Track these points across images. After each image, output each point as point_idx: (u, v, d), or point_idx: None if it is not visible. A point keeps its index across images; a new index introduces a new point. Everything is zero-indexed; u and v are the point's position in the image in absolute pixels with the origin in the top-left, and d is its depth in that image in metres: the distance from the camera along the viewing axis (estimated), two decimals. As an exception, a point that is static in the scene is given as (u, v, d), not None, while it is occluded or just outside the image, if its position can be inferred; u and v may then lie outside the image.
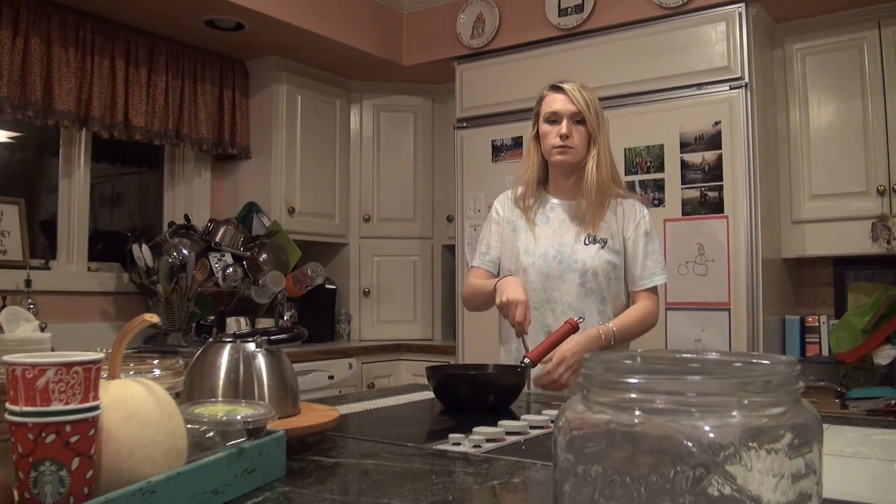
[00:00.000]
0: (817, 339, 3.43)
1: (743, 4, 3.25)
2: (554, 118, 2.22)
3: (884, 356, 3.05)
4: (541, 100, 2.29)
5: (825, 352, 3.38)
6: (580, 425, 0.74)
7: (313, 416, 1.42)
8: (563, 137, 2.19)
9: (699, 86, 3.33)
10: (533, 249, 2.26)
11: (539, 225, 2.28)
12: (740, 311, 3.13)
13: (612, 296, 2.23)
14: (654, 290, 2.27)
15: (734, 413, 0.67)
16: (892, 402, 2.78)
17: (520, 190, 2.36)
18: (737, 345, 3.10)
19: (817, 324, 3.44)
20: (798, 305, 3.63)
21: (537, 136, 2.29)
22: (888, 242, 3.18)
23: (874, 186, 3.25)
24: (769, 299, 3.23)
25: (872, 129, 3.28)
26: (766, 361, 0.78)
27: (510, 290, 2.08)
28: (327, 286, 4.33)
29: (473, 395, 1.84)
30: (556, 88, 2.26)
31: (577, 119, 2.21)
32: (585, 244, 2.21)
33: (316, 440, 1.39)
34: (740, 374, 0.76)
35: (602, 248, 2.21)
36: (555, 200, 2.31)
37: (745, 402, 0.68)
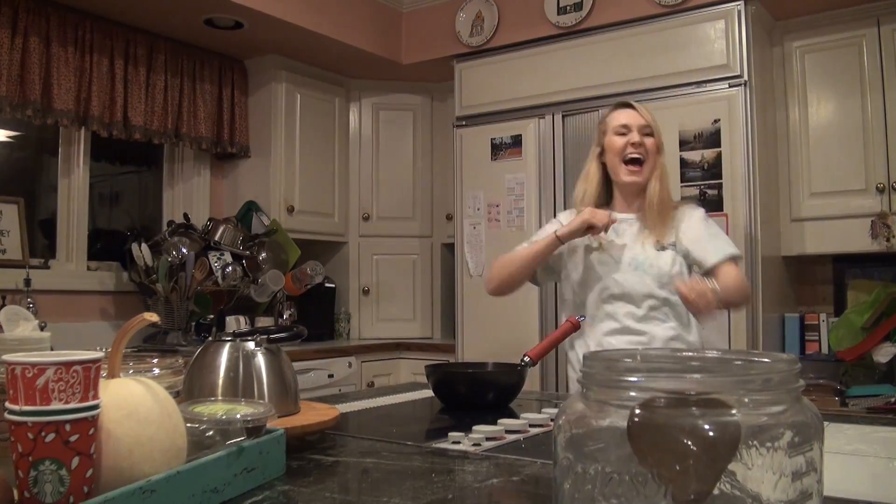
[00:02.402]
0: (817, 337, 3.43)
1: (742, 2, 3.25)
2: (624, 130, 2.27)
3: (883, 354, 3.05)
4: (605, 119, 2.36)
5: (825, 350, 3.37)
6: (580, 424, 0.74)
7: (313, 414, 1.41)
8: (636, 145, 2.25)
9: (698, 84, 3.33)
10: (607, 259, 2.26)
11: (611, 239, 2.29)
12: (740, 310, 3.13)
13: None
14: (733, 262, 2.23)
15: (734, 411, 0.67)
16: (892, 399, 2.79)
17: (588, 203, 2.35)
18: (737, 343, 3.10)
19: (817, 322, 3.44)
20: (798, 303, 3.63)
21: (600, 154, 2.34)
22: (888, 240, 3.19)
23: (873, 184, 3.25)
24: (769, 297, 3.24)
25: (872, 126, 3.27)
26: (766, 360, 0.78)
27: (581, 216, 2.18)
28: (327, 285, 4.33)
29: (473, 393, 1.84)
30: (624, 105, 2.34)
31: (646, 132, 2.27)
32: (658, 251, 2.24)
33: (315, 439, 1.39)
34: (740, 373, 0.75)
35: (673, 251, 2.24)
36: (622, 215, 2.31)
37: (746, 400, 0.68)
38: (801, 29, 3.46)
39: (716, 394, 0.67)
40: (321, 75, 4.37)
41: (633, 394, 0.69)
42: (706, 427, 0.66)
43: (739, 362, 0.80)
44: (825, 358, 3.31)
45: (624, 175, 2.27)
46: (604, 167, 2.34)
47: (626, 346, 2.20)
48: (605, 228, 2.17)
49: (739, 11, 3.25)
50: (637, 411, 0.68)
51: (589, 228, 2.17)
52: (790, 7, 3.37)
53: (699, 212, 2.32)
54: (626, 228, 2.29)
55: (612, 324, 2.22)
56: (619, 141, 2.27)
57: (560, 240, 2.21)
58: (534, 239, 2.39)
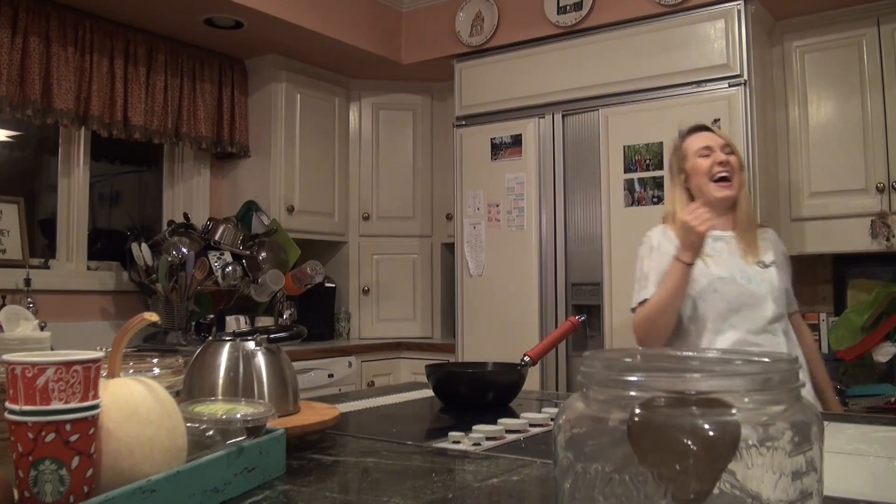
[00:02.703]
0: (817, 337, 3.42)
1: (742, 2, 3.25)
2: (707, 152, 2.29)
3: (883, 353, 3.05)
4: (680, 146, 2.37)
5: (825, 349, 3.37)
6: (580, 423, 0.74)
7: (313, 414, 1.41)
8: (723, 164, 2.26)
9: (698, 83, 3.33)
10: (719, 273, 2.23)
11: (711, 255, 2.26)
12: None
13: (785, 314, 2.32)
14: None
15: (734, 411, 0.67)
16: (892, 399, 2.79)
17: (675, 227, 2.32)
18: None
19: (817, 321, 3.44)
20: (797, 303, 3.62)
21: (685, 180, 2.34)
22: (888, 240, 3.19)
23: (873, 184, 3.25)
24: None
25: (871, 126, 3.28)
26: (766, 359, 0.78)
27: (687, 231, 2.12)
28: (327, 284, 4.32)
29: (473, 393, 1.84)
30: (698, 129, 2.38)
31: (728, 151, 2.29)
32: (761, 268, 2.26)
33: (316, 438, 1.39)
34: (740, 373, 0.75)
35: (775, 269, 2.27)
36: (715, 233, 2.27)
37: (746, 400, 0.68)
38: (801, 28, 3.46)
39: (716, 394, 0.67)
40: (321, 75, 4.37)
41: (633, 393, 0.69)
42: (706, 427, 0.66)
43: (739, 362, 0.80)
44: (825, 357, 3.30)
45: (715, 191, 2.26)
46: (688, 191, 2.34)
47: None
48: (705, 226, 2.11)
49: (739, 11, 3.25)
50: (637, 411, 0.68)
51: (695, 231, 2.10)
52: (790, 7, 3.37)
53: (783, 246, 2.41)
54: (723, 246, 2.28)
55: (735, 334, 2.19)
56: (705, 163, 2.28)
57: (690, 264, 2.14)
58: (646, 273, 2.28)
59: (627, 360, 0.80)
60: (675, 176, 2.37)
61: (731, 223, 2.32)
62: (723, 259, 2.25)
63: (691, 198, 2.32)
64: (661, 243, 2.30)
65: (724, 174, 2.26)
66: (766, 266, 2.26)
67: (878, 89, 3.26)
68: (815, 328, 3.43)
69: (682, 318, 2.24)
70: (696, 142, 2.32)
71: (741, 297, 2.20)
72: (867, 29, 3.30)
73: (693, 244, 2.11)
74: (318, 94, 4.35)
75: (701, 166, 2.28)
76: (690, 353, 0.84)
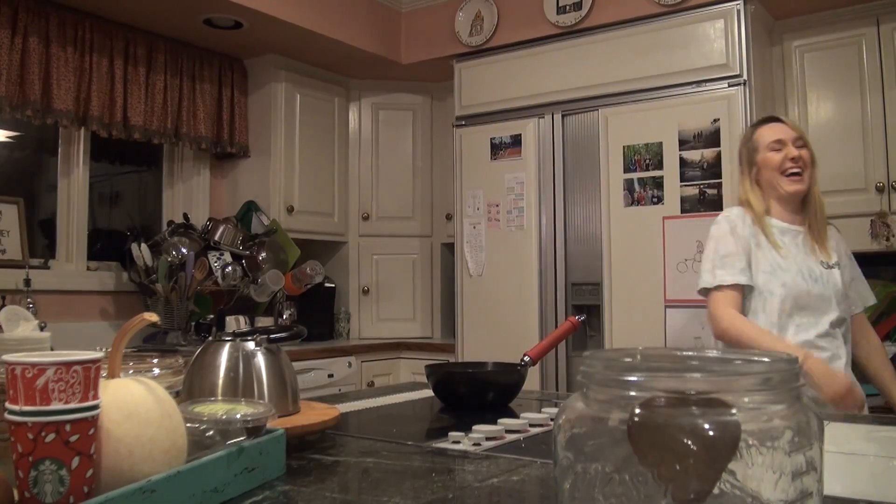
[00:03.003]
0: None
1: (741, 2, 3.25)
2: (778, 146, 2.26)
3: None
4: (752, 137, 2.35)
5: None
6: (580, 423, 0.74)
7: (313, 414, 1.41)
8: (796, 160, 2.23)
9: (698, 83, 3.33)
10: (788, 267, 2.20)
11: (781, 247, 2.24)
12: (739, 309, 3.13)
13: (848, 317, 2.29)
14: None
15: (734, 411, 0.67)
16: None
17: (751, 213, 2.30)
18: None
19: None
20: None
21: (756, 173, 2.32)
22: (887, 240, 3.19)
23: (873, 183, 3.25)
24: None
25: (871, 126, 3.28)
26: (766, 359, 0.78)
27: (831, 381, 2.02)
28: (326, 285, 4.33)
29: (473, 393, 1.84)
30: (771, 119, 2.35)
31: (800, 144, 2.27)
32: (827, 268, 2.23)
33: (316, 438, 1.39)
34: (740, 372, 0.75)
35: (838, 271, 2.25)
36: (784, 225, 2.28)
37: (745, 399, 0.68)
38: (801, 28, 3.46)
39: (716, 393, 0.67)
40: (321, 75, 4.37)
41: (633, 393, 0.69)
42: (706, 426, 0.65)
43: (739, 362, 0.80)
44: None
45: (787, 185, 2.25)
46: (757, 183, 2.33)
47: None
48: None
49: (739, 11, 3.25)
50: (637, 411, 0.68)
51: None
52: (789, 6, 3.37)
53: (845, 243, 2.38)
54: (791, 241, 2.25)
55: (800, 335, 2.17)
56: (776, 157, 2.26)
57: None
58: (731, 263, 2.21)
59: (627, 360, 0.80)
60: (746, 167, 2.35)
61: (800, 218, 2.30)
62: (790, 254, 2.22)
63: (760, 189, 2.31)
64: (740, 227, 2.26)
65: (795, 170, 2.23)
66: (829, 267, 2.23)
67: (878, 89, 3.26)
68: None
69: (748, 307, 2.23)
70: (768, 134, 2.30)
71: (808, 297, 2.17)
72: (867, 28, 3.30)
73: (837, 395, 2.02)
74: (318, 94, 4.35)
75: (772, 160, 2.26)
76: (690, 353, 0.84)
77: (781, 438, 0.67)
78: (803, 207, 2.30)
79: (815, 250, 2.24)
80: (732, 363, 0.81)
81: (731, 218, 2.30)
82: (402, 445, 1.36)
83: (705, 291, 2.29)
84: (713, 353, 0.85)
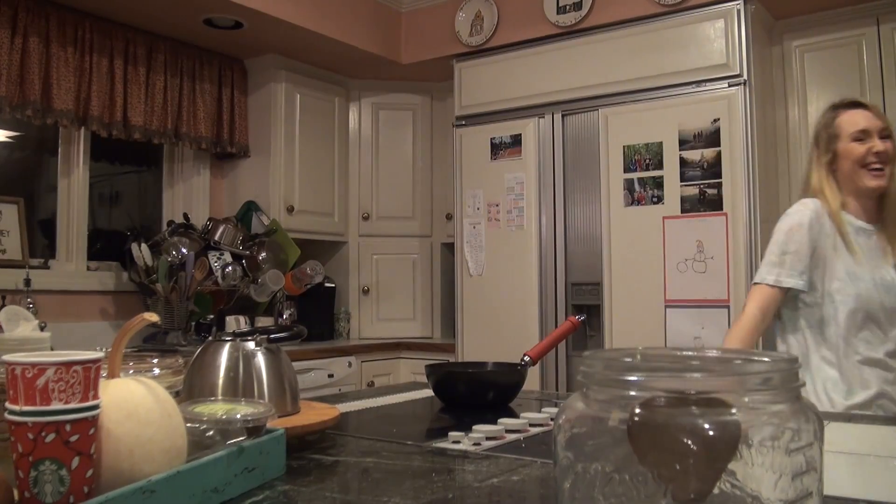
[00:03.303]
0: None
1: (741, 1, 3.25)
2: (863, 136, 2.09)
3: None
4: (833, 122, 2.16)
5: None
6: (580, 423, 0.74)
7: (313, 414, 1.41)
8: (880, 154, 2.07)
9: (698, 83, 3.33)
10: (862, 275, 2.05)
11: (858, 249, 2.08)
12: (740, 309, 3.12)
13: None
14: None
15: (734, 411, 0.67)
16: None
17: (827, 207, 2.13)
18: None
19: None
20: None
21: (831, 162, 2.15)
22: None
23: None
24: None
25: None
26: (766, 359, 0.78)
27: None
28: (326, 284, 4.33)
29: (473, 392, 1.84)
30: (856, 105, 2.17)
31: (884, 135, 2.10)
32: None
33: (315, 438, 1.39)
34: (740, 372, 0.76)
35: None
36: (858, 224, 2.11)
37: (746, 399, 0.68)
38: (801, 28, 3.46)
39: (716, 393, 0.68)
40: (321, 75, 4.37)
41: (633, 393, 0.69)
42: (706, 426, 0.66)
43: (739, 361, 0.80)
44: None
45: (868, 180, 2.08)
46: (832, 172, 2.15)
47: (880, 383, 2.02)
48: None
49: (739, 11, 3.25)
50: (637, 411, 0.68)
51: None
52: (790, 6, 3.37)
53: None
54: (864, 241, 2.10)
55: (870, 352, 2.03)
56: (860, 148, 2.09)
57: None
58: (791, 264, 2.08)
59: (627, 359, 0.80)
60: (822, 154, 2.16)
61: (876, 216, 2.13)
62: (865, 260, 2.06)
63: (835, 181, 2.14)
64: (816, 224, 2.09)
65: (878, 165, 2.06)
66: None
67: (878, 88, 3.26)
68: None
69: (818, 316, 2.09)
70: (853, 121, 2.12)
71: (880, 309, 2.03)
72: (867, 28, 3.30)
73: None
74: (318, 94, 4.35)
75: (855, 151, 2.09)
76: (691, 353, 0.84)
77: (781, 438, 0.67)
78: (879, 204, 2.13)
79: (887, 253, 2.08)
80: (732, 363, 0.81)
81: (808, 212, 2.11)
82: (402, 445, 1.36)
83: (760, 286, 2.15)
84: (713, 353, 0.85)
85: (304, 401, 1.55)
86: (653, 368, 0.79)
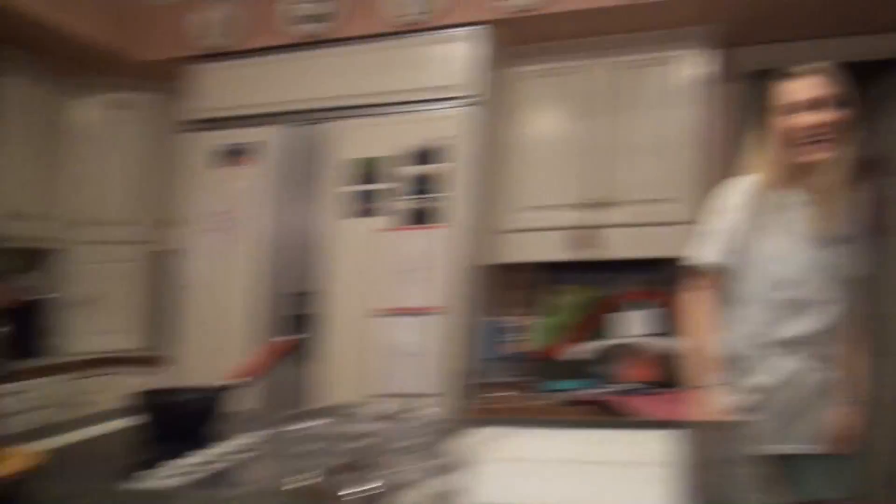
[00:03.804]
0: (520, 338, 3.72)
1: (480, 27, 3.46)
2: (796, 109, 2.08)
3: (580, 352, 3.43)
4: (770, 93, 2.13)
5: (527, 349, 3.68)
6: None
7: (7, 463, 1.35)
8: (814, 127, 2.05)
9: (432, 101, 3.48)
10: (791, 251, 2.08)
11: (783, 225, 2.09)
12: (453, 316, 3.32)
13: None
14: None
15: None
16: (589, 391, 3.13)
17: (759, 183, 2.13)
18: (450, 347, 3.29)
19: (522, 324, 3.74)
20: (504, 307, 3.87)
21: (765, 136, 2.15)
22: (586, 249, 3.54)
23: (576, 199, 3.56)
24: (480, 303, 3.49)
25: (582, 147, 3.58)
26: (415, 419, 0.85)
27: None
28: (38, 297, 3.99)
29: (173, 421, 1.79)
30: (798, 74, 2.12)
31: (821, 106, 2.06)
32: (826, 245, 2.08)
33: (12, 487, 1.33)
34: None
35: (842, 246, 2.10)
36: (794, 198, 2.10)
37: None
38: (534, 55, 3.68)
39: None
40: (41, 67, 4.03)
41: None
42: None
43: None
44: (526, 357, 3.63)
45: (800, 155, 2.09)
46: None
47: (797, 361, 2.11)
48: None
49: (476, 35, 3.46)
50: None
51: None
52: (525, 34, 3.60)
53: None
54: (796, 216, 2.12)
55: (793, 330, 2.10)
56: (791, 122, 2.09)
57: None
58: (717, 240, 2.15)
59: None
60: (756, 129, 2.18)
61: (810, 188, 2.10)
62: (793, 234, 2.08)
63: (771, 155, 2.13)
64: (739, 200, 2.13)
65: (811, 139, 2.05)
66: (833, 243, 2.08)
67: (604, 112, 3.55)
68: (520, 330, 3.74)
69: (741, 294, 2.12)
70: (788, 93, 2.10)
71: (797, 286, 2.06)
72: (593, 59, 3.58)
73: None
74: (37, 88, 4.00)
75: (786, 125, 2.09)
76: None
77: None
78: (814, 176, 2.10)
79: (820, 224, 2.08)
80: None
81: (739, 189, 2.15)
82: (102, 484, 1.34)
83: (687, 267, 2.19)
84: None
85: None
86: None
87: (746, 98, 3.62)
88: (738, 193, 2.15)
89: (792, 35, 3.59)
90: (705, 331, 2.12)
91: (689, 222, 3.33)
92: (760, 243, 2.09)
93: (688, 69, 3.46)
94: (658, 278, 3.57)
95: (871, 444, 2.65)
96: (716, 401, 2.06)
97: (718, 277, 2.15)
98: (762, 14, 3.36)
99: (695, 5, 3.28)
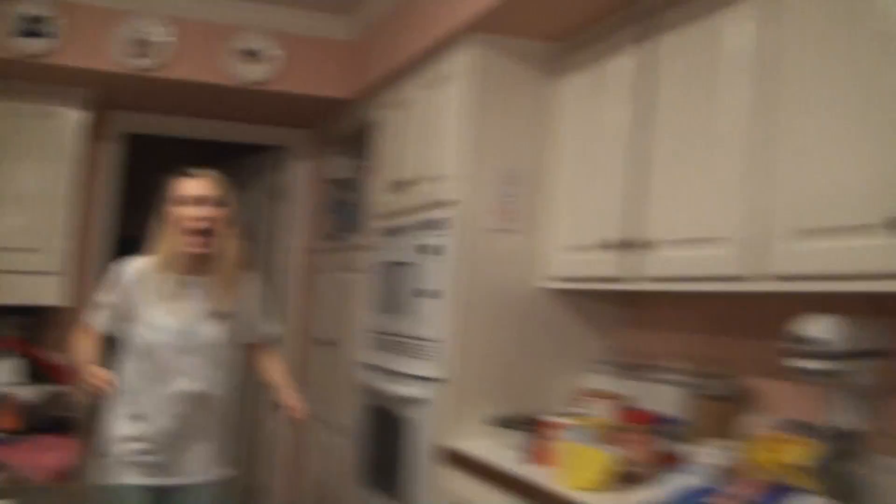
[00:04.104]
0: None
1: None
2: (185, 202, 2.32)
3: None
4: (173, 189, 2.36)
5: None
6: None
7: None
8: (199, 220, 2.31)
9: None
10: (165, 322, 2.31)
11: (170, 301, 2.33)
12: None
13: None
14: None
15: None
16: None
17: (155, 263, 2.36)
18: None
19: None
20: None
21: (165, 222, 2.37)
22: None
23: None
24: None
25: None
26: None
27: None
28: None
29: None
30: (192, 175, 2.38)
31: (206, 203, 2.33)
32: (210, 320, 2.37)
33: None
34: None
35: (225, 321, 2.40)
36: (184, 279, 2.35)
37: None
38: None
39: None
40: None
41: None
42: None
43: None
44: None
45: (185, 246, 2.33)
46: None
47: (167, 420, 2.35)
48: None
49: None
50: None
51: None
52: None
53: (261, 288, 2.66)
54: (181, 292, 2.37)
55: (167, 389, 2.34)
56: (182, 213, 2.32)
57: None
58: (103, 302, 2.41)
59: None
60: (162, 216, 2.37)
61: (197, 270, 2.37)
62: (177, 309, 2.33)
63: (170, 240, 2.35)
64: (130, 278, 2.36)
65: (193, 229, 2.30)
66: (220, 318, 2.38)
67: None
68: None
69: (134, 354, 2.35)
70: (189, 188, 2.34)
71: (176, 353, 2.32)
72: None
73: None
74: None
75: (176, 216, 2.32)
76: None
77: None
78: (202, 262, 2.37)
79: (206, 303, 2.37)
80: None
81: (130, 269, 2.38)
82: None
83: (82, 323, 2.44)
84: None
85: None
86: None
87: (117, 158, 3.95)
88: (132, 271, 2.40)
89: (166, 109, 4.07)
90: (87, 357, 2.38)
91: (57, 273, 3.52)
92: (146, 315, 2.36)
93: (67, 125, 3.58)
94: (24, 325, 3.60)
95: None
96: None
97: (99, 335, 2.44)
98: (132, 87, 3.66)
99: (72, 69, 3.41)
